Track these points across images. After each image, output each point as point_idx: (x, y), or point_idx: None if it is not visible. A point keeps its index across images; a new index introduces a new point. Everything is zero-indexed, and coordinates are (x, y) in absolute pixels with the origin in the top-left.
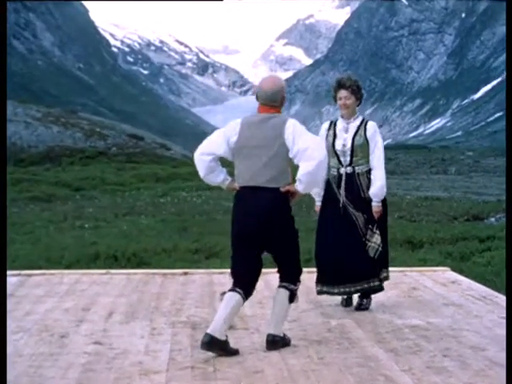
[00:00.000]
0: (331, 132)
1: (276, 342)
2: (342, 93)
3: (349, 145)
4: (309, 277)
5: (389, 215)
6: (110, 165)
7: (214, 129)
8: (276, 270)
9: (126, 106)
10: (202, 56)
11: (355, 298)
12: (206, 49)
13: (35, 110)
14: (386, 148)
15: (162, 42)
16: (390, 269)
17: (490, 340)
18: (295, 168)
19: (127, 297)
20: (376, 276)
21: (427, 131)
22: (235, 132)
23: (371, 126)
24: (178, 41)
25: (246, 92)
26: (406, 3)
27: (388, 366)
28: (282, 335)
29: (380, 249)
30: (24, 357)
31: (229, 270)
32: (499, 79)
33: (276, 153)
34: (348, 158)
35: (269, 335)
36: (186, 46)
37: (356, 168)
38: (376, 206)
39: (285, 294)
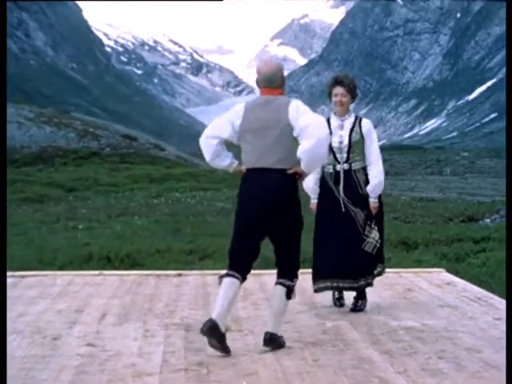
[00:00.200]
0: None
1: (273, 340)
2: (339, 89)
3: (346, 141)
4: (303, 278)
5: (383, 216)
6: (104, 165)
7: None
8: (270, 271)
9: (119, 106)
10: (196, 56)
11: (349, 298)
12: (200, 49)
13: (28, 111)
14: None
15: (155, 41)
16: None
17: (485, 342)
18: None
19: (120, 298)
20: (372, 273)
21: (422, 132)
22: (239, 116)
23: (366, 122)
24: (172, 41)
25: (240, 92)
26: (401, 3)
27: (383, 368)
28: (279, 334)
29: (378, 245)
30: (16, 359)
31: (223, 271)
32: (494, 80)
33: (281, 133)
34: (345, 155)
35: (266, 333)
36: (180, 46)
37: (352, 165)
38: (374, 202)
39: (282, 291)
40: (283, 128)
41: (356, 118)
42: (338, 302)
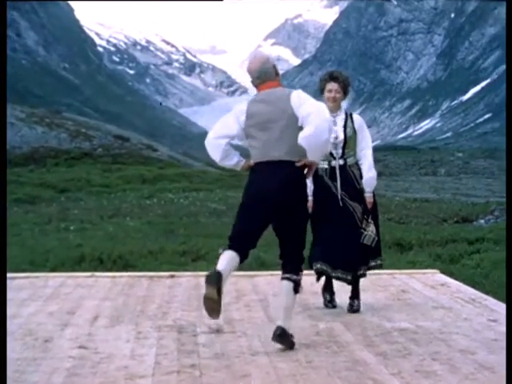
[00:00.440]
0: None
1: (284, 336)
2: (333, 85)
3: (341, 137)
4: None
5: (378, 215)
6: (96, 166)
7: (201, 130)
8: (263, 272)
9: (111, 107)
10: (188, 56)
11: (341, 298)
12: (193, 49)
13: (19, 111)
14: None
15: (148, 41)
16: (379, 271)
17: (479, 343)
18: None
19: (113, 300)
20: (366, 264)
21: (416, 132)
22: (242, 112)
23: (357, 117)
24: (164, 40)
25: (233, 92)
26: (395, 3)
27: (377, 370)
28: (290, 333)
29: (376, 238)
30: (8, 361)
31: None
32: (488, 80)
33: (287, 124)
34: (340, 151)
35: (278, 328)
36: (173, 46)
37: (348, 160)
38: (369, 196)
39: (289, 285)
40: (288, 119)
41: (346, 113)
42: (330, 303)
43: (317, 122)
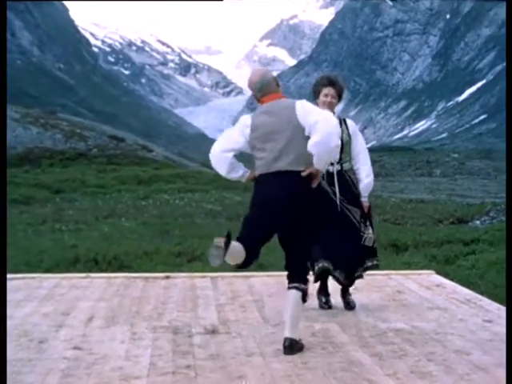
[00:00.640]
0: None
1: (293, 346)
2: (330, 90)
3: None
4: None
5: (373, 218)
6: (91, 167)
7: (196, 130)
8: (258, 273)
9: (106, 107)
10: (184, 56)
11: (338, 301)
12: (189, 49)
13: (13, 111)
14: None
15: (143, 41)
16: (374, 272)
17: (474, 344)
18: None
19: (108, 301)
20: (363, 266)
21: (412, 133)
22: (247, 125)
23: (351, 122)
24: (159, 41)
25: (229, 93)
26: (391, 4)
27: (372, 371)
28: (297, 339)
29: (375, 239)
30: None
31: (211, 274)
32: (484, 81)
33: (293, 134)
34: (337, 156)
35: (286, 339)
36: (168, 47)
37: (344, 165)
38: (366, 201)
39: (297, 295)
40: (294, 129)
41: (340, 119)
42: (326, 304)
43: (326, 129)
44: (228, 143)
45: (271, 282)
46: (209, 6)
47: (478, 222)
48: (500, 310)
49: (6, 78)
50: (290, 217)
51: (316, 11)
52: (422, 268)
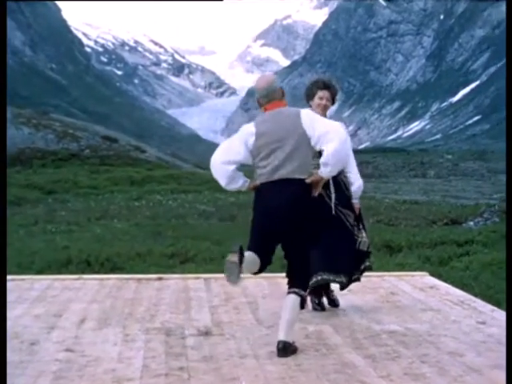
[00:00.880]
0: None
1: (287, 349)
2: (326, 93)
3: None
4: (284, 282)
5: (366, 219)
6: (83, 167)
7: (190, 131)
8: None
9: (99, 107)
10: (177, 57)
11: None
12: (182, 49)
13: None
14: (365, 151)
15: (136, 42)
16: (368, 273)
17: (467, 346)
18: None
19: (100, 303)
20: (359, 269)
21: (406, 134)
22: (251, 133)
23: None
24: (152, 41)
25: (222, 94)
26: (384, 4)
27: (366, 373)
28: (291, 342)
29: (368, 242)
30: None
31: (204, 275)
32: (477, 82)
33: (298, 142)
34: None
35: (279, 342)
36: (161, 47)
37: None
38: (357, 203)
39: (296, 300)
40: (299, 137)
41: None
42: (319, 306)
43: (339, 138)
44: (229, 154)
45: (265, 284)
46: (202, 6)
47: (471, 224)
48: (494, 312)
49: (6, 78)
50: (291, 222)
51: (310, 11)
52: (415, 269)
